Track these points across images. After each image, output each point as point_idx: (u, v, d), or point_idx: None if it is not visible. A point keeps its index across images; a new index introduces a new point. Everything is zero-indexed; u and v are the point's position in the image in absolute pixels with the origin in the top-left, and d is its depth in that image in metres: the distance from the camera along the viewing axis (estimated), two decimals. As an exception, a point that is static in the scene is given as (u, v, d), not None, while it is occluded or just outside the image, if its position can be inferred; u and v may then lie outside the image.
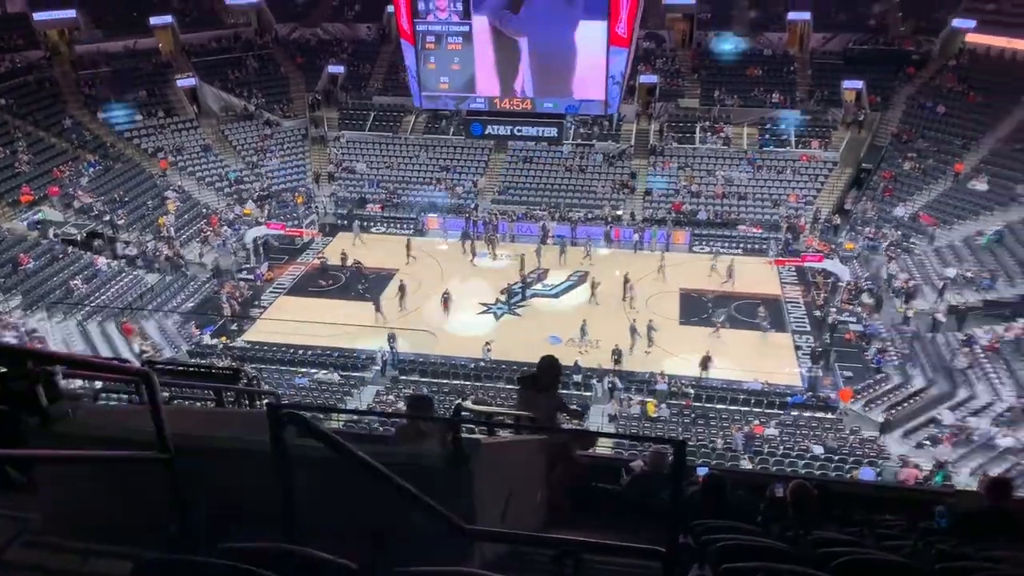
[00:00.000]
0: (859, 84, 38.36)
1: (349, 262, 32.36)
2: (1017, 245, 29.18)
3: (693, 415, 23.44)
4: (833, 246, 32.97)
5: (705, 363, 25.21)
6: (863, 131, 37.47)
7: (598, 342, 26.47)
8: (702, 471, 7.20)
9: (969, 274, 28.74)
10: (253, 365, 24.96)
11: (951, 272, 29.02)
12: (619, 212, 35.87)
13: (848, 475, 19.38)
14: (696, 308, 29.50)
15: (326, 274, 32.16)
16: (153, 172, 36.43)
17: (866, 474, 18.93)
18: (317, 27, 44.79)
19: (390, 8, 36.07)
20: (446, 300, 28.78)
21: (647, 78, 39.89)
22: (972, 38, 37.49)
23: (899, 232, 32.53)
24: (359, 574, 2.64)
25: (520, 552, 4.05)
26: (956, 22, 38.07)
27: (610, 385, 24.43)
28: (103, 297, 28.22)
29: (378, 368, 25.98)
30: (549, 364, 6.87)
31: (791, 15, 41.04)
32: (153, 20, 41.18)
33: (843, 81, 38.62)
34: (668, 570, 3.05)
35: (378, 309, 28.95)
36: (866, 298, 29.42)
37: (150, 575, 2.45)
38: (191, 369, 8.45)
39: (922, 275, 29.96)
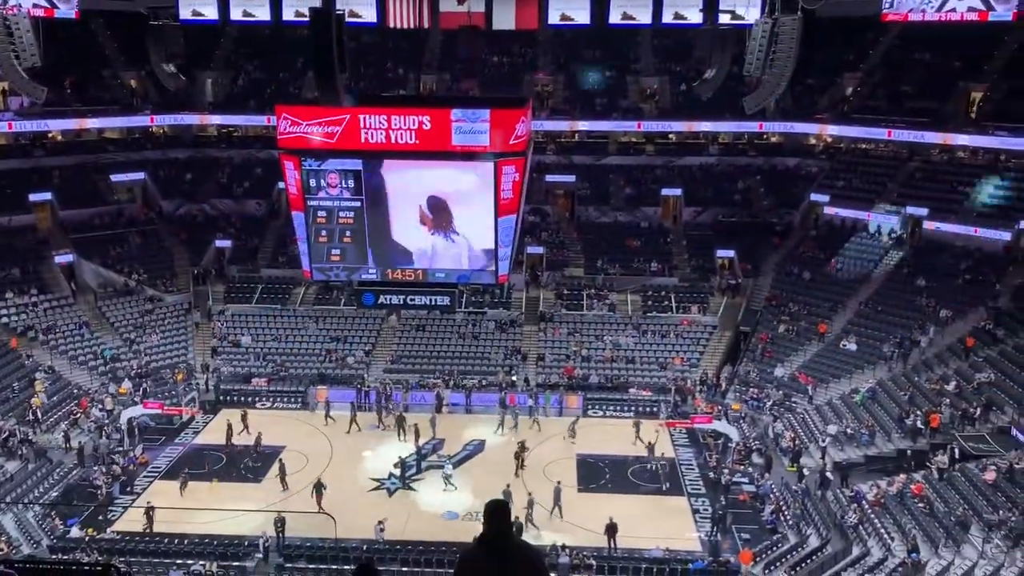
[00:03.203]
0: (731, 253, 40.96)
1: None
2: (889, 401, 30.75)
3: (597, 588, 22.68)
4: (720, 407, 33.82)
5: (611, 531, 24.65)
6: (738, 297, 39.57)
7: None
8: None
9: (849, 430, 29.88)
10: (124, 559, 22.92)
11: (832, 429, 30.11)
12: (513, 378, 36.00)
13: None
14: (594, 474, 29.30)
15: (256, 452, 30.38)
16: (21, 352, 34.43)
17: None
18: (204, 203, 44.77)
19: (280, 185, 36.63)
20: (319, 490, 26.32)
21: (534, 249, 41.42)
22: (828, 210, 41.00)
23: (780, 392, 33.79)
24: None
25: None
26: (813, 196, 41.71)
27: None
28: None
29: (260, 556, 24.21)
30: (494, 508, 4.92)
31: (664, 191, 44.05)
32: (32, 197, 40.31)
33: (716, 250, 41.20)
34: None
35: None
36: (756, 458, 29.98)
37: None
38: (54, 567, 7.58)
39: (806, 433, 30.94)
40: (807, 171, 43.84)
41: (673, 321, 38.68)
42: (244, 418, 32.08)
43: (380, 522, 24.97)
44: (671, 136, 45.97)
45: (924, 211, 37.42)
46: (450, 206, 19.64)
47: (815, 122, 43.42)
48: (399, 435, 31.65)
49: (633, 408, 34.47)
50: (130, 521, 26.20)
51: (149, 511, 25.26)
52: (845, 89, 44.38)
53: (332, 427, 32.58)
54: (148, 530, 25.17)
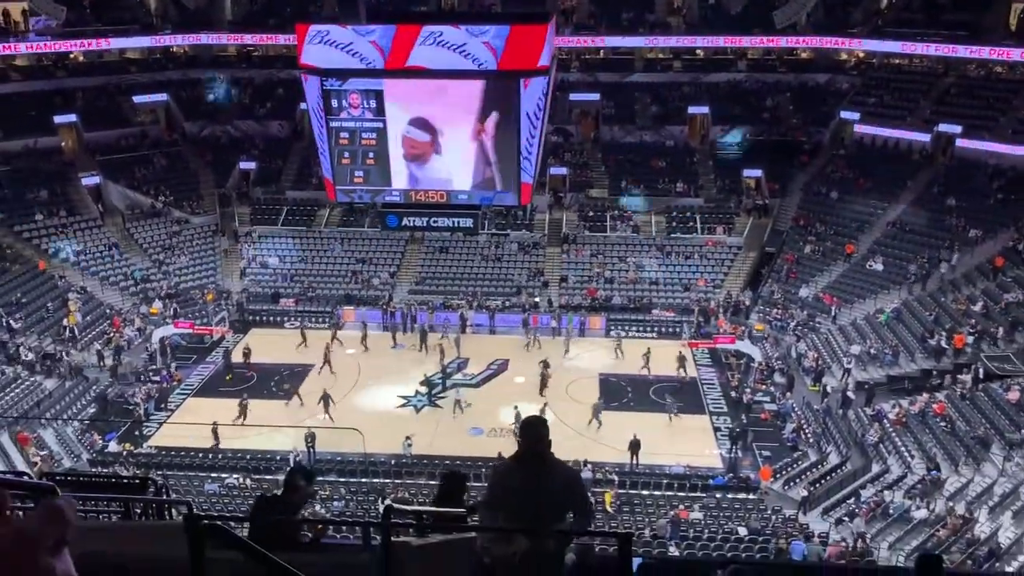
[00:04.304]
0: (758, 173, 40.31)
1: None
2: (914, 321, 30.63)
3: (619, 503, 23.25)
4: (743, 327, 33.89)
5: (634, 447, 25.16)
6: (764, 217, 39.16)
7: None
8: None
9: (872, 351, 29.90)
10: (160, 472, 23.76)
11: (856, 349, 30.13)
12: (536, 299, 36.21)
13: (773, 555, 19.46)
14: (616, 392, 29.70)
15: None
16: (53, 273, 35.05)
17: (796, 549, 19.04)
18: (227, 125, 44.60)
19: (302, 105, 36.36)
20: (325, 401, 27.38)
21: (557, 170, 41.04)
22: (858, 128, 40.03)
23: (805, 312, 33.74)
24: None
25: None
26: (843, 114, 40.69)
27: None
28: (-4, 406, 26.60)
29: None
30: (528, 423, 4.75)
31: (691, 109, 43.12)
32: (57, 119, 40.36)
33: (743, 170, 40.56)
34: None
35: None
36: (778, 377, 30.19)
37: None
38: (94, 480, 7.94)
39: (829, 353, 31.02)
40: (837, 88, 42.72)
41: (697, 242, 38.45)
42: (303, 332, 33.29)
43: (407, 437, 25.67)
44: (698, 52, 44.81)
45: (958, 129, 36.43)
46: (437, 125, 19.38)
47: (848, 36, 42.04)
48: (421, 350, 32.34)
49: (656, 329, 34.65)
50: (165, 436, 27.13)
51: (215, 429, 26.13)
52: (880, 1, 42.83)
53: (359, 345, 33.09)
54: (216, 446, 26.22)
